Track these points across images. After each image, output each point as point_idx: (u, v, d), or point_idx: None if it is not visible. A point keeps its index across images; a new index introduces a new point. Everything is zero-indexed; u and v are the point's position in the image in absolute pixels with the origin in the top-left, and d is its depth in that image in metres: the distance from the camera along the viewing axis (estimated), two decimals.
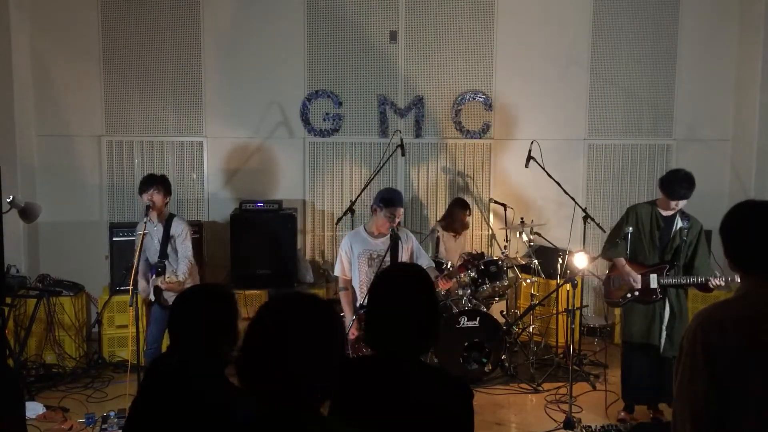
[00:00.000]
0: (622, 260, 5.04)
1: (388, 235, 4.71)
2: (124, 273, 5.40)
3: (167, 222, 5.23)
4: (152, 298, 5.12)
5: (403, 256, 4.80)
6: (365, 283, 4.72)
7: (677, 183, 4.83)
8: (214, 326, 2.43)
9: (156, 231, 5.19)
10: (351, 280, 4.90)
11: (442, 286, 5.00)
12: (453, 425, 2.16)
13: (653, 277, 4.89)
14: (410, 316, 2.21)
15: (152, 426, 2.35)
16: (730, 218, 2.21)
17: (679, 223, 4.92)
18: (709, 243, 6.46)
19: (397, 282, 2.34)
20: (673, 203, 4.89)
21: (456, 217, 6.54)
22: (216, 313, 2.46)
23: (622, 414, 5.17)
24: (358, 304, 4.79)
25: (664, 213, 4.95)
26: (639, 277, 4.94)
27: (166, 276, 5.00)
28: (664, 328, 4.92)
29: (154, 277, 5.11)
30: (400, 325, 2.21)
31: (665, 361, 4.91)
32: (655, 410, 5.15)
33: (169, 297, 5.13)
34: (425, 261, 4.95)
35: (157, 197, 5.15)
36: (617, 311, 6.87)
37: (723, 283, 4.73)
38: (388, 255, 4.67)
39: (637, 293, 4.96)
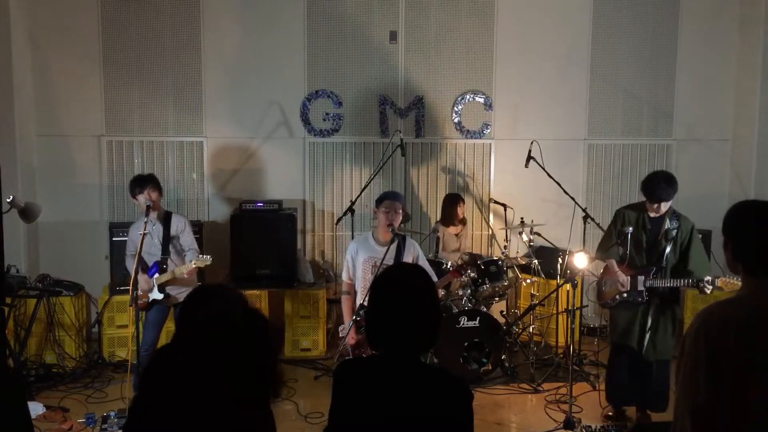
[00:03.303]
0: (612, 262, 5.00)
1: (395, 244, 4.69)
2: (125, 273, 5.43)
3: (165, 220, 5.23)
4: (159, 296, 5.11)
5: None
6: (366, 289, 4.71)
7: (655, 185, 4.73)
8: None
9: (155, 230, 5.19)
10: (355, 285, 4.89)
11: None
12: (453, 425, 2.16)
13: (640, 279, 4.84)
14: (410, 315, 2.21)
15: (153, 424, 2.34)
16: (735, 217, 2.19)
17: (666, 225, 4.83)
18: (709, 243, 6.48)
19: (397, 281, 2.33)
20: (654, 206, 4.80)
21: (449, 212, 6.55)
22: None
23: (608, 412, 5.20)
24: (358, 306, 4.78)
25: (652, 215, 4.86)
26: (627, 279, 4.90)
27: (193, 262, 5.07)
28: (647, 331, 4.87)
29: (157, 275, 5.11)
30: (400, 324, 2.21)
31: (647, 365, 4.91)
32: (642, 414, 5.11)
33: (177, 293, 5.15)
34: None
35: (155, 195, 5.14)
36: None
37: (710, 290, 4.64)
38: (389, 256, 4.65)
39: (625, 295, 4.92)
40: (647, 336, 4.87)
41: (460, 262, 6.13)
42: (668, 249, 4.81)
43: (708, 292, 4.66)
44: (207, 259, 5.09)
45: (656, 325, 4.88)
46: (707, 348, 2.05)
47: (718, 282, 4.56)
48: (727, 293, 5.57)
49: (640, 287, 4.84)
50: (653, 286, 4.81)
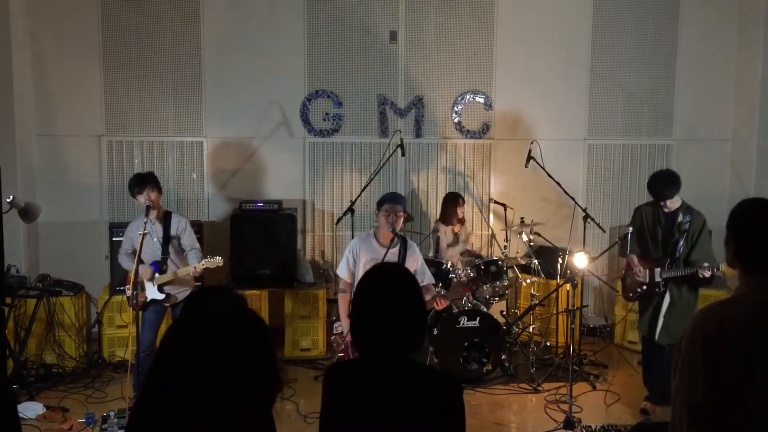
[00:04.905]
0: (633, 257, 5.28)
1: (397, 247, 4.68)
2: (123, 271, 5.42)
3: (165, 220, 5.22)
4: (159, 296, 5.10)
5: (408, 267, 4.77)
6: None
7: (653, 187, 5.04)
8: None
9: (155, 230, 5.18)
10: (352, 284, 4.88)
11: (438, 306, 4.86)
12: (444, 420, 2.17)
13: (657, 271, 5.11)
14: (394, 314, 2.21)
15: (155, 425, 2.34)
16: (739, 215, 2.19)
17: (679, 218, 5.09)
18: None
19: (379, 281, 2.33)
20: (662, 203, 5.06)
21: (449, 211, 6.54)
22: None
23: (645, 405, 5.27)
24: None
25: (666, 210, 5.13)
26: (646, 271, 5.16)
27: (203, 263, 5.02)
28: (661, 316, 5.07)
29: (157, 275, 5.10)
30: (384, 324, 2.21)
31: (659, 348, 5.08)
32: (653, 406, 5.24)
33: (177, 293, 5.15)
34: (427, 278, 4.90)
35: (154, 195, 5.12)
36: (618, 311, 6.92)
37: (708, 274, 4.83)
38: (391, 258, 4.64)
39: (645, 287, 5.17)
40: (661, 321, 5.07)
41: (467, 268, 6.09)
42: (681, 241, 5.07)
43: (707, 275, 4.85)
44: (218, 261, 5.07)
45: (671, 310, 5.06)
46: (704, 347, 2.05)
47: (722, 266, 4.76)
48: (727, 293, 5.61)
49: (657, 278, 5.11)
50: (669, 277, 5.07)
